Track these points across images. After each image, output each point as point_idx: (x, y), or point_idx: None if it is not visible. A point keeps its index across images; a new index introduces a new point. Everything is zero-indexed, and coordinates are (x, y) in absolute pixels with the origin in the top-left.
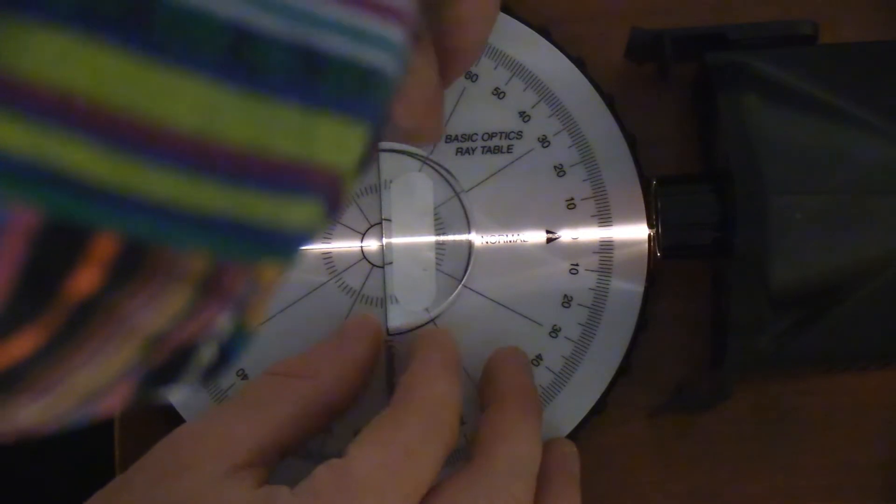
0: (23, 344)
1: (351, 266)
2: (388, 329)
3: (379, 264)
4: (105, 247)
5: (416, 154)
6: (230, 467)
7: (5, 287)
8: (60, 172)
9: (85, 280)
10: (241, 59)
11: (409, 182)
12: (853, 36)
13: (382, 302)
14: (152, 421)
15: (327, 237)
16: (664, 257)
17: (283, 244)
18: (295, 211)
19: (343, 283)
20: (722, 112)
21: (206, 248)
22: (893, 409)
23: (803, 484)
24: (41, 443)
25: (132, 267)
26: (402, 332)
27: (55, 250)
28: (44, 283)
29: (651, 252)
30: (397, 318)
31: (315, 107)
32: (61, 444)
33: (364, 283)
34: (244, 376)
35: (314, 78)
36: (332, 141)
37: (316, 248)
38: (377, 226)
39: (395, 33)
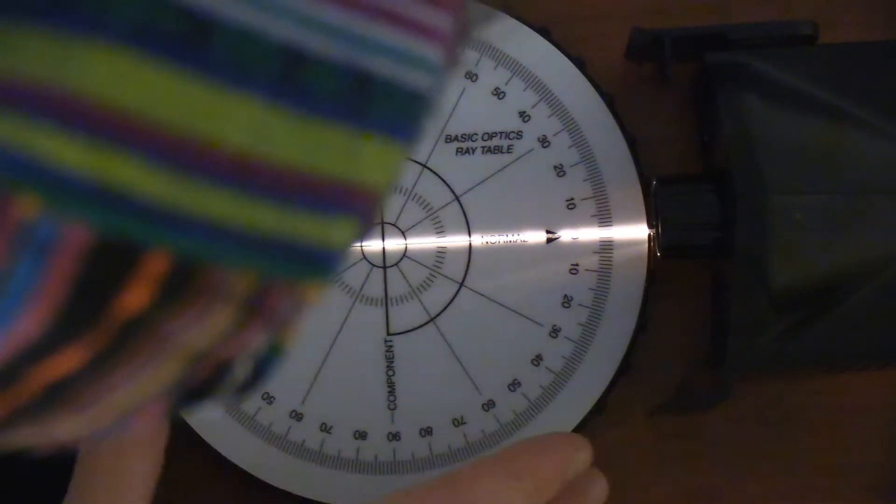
0: (68, 361)
1: (351, 266)
2: (388, 329)
3: (379, 264)
4: (155, 265)
5: (414, 159)
6: None
7: (55, 304)
8: (114, 190)
9: (134, 298)
10: (294, 81)
11: None
12: (853, 36)
13: (382, 302)
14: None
15: None
16: (664, 257)
17: (326, 263)
18: (337, 230)
19: (343, 283)
20: (722, 112)
21: (252, 267)
22: (893, 409)
23: (803, 484)
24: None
25: (181, 285)
26: (402, 333)
27: (106, 268)
28: (93, 300)
29: (651, 252)
30: (397, 318)
31: (362, 128)
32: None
33: (364, 284)
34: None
35: (362, 100)
36: (375, 161)
37: None
38: (377, 226)
39: (435, 55)
